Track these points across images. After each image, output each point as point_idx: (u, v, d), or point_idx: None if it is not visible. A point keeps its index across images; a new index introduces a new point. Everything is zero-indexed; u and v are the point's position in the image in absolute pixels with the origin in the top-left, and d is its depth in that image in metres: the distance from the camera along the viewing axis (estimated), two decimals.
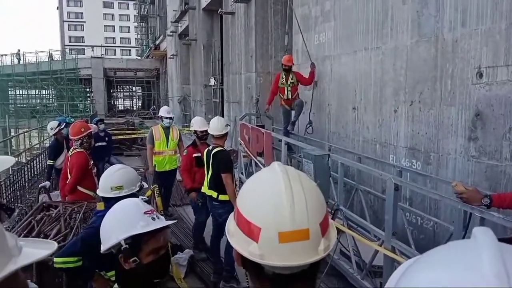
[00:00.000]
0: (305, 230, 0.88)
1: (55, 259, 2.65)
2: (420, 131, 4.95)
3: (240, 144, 7.82)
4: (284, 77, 7.24)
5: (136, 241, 1.65)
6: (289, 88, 7.26)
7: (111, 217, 1.76)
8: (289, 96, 7.32)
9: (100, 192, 2.85)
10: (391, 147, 5.45)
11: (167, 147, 6.88)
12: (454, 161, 4.47)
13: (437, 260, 0.55)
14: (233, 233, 0.97)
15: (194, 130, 5.69)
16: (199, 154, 5.45)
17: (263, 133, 6.61)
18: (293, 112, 7.45)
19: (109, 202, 2.75)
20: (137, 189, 2.86)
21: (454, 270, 0.51)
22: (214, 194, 4.73)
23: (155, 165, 6.90)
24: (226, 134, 4.95)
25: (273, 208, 0.89)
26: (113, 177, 2.82)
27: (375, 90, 5.76)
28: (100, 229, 1.77)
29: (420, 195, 4.82)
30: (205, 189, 4.93)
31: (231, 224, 0.99)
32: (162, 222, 1.74)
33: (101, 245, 1.73)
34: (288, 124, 7.42)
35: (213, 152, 4.75)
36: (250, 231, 0.91)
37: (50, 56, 36.89)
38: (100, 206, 3.15)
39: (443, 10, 4.54)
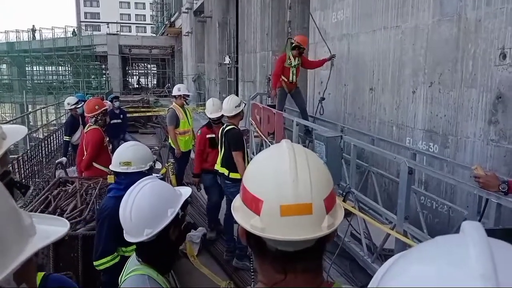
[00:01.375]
0: (308, 205, 0.87)
1: (95, 263, 2.72)
2: (438, 113, 4.84)
3: (252, 124, 7.75)
4: (291, 58, 6.77)
5: (183, 207, 1.84)
6: (294, 70, 6.90)
7: (156, 196, 1.78)
8: (293, 79, 6.93)
9: (111, 166, 2.89)
10: (408, 129, 5.36)
11: (189, 125, 6.86)
12: (473, 145, 4.37)
13: (424, 255, 0.53)
14: (237, 208, 0.97)
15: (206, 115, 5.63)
16: (213, 135, 5.39)
17: (274, 113, 6.52)
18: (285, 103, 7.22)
19: (119, 176, 2.85)
20: (147, 168, 2.83)
21: (441, 266, 0.48)
22: (226, 172, 4.77)
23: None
24: (239, 113, 4.90)
25: (276, 180, 0.89)
26: (124, 152, 2.86)
27: (393, 70, 5.63)
28: (144, 216, 1.74)
29: (436, 179, 4.75)
30: (217, 166, 4.96)
31: (237, 200, 0.99)
32: (185, 188, 1.99)
33: (151, 228, 1.72)
34: (282, 108, 7.06)
35: (225, 130, 4.76)
36: (253, 204, 0.91)
37: (73, 32, 37.03)
38: (110, 179, 3.21)
39: None
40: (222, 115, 5.20)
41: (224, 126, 4.91)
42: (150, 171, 2.84)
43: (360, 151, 5.25)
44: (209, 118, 5.52)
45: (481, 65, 4.25)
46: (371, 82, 6.13)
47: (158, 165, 3.00)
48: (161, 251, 1.79)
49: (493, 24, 4.09)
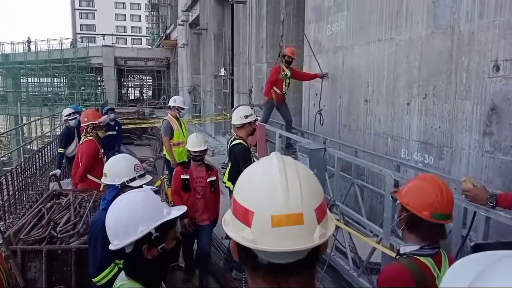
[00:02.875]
0: (299, 215, 0.86)
1: (95, 280, 2.67)
2: (433, 125, 4.87)
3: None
4: (285, 69, 6.99)
5: (164, 228, 1.75)
6: (287, 82, 7.06)
7: (129, 209, 1.75)
8: (286, 91, 7.10)
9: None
10: (403, 140, 5.38)
11: (184, 137, 6.85)
12: (468, 156, 4.39)
13: None
14: (228, 221, 0.96)
15: (187, 150, 4.78)
16: (187, 177, 4.63)
17: (256, 125, 6.51)
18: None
19: (109, 187, 2.87)
20: (118, 183, 2.75)
21: None
22: (231, 187, 4.69)
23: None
24: (246, 125, 4.73)
25: (266, 191, 0.88)
26: (107, 163, 2.93)
27: (387, 82, 5.66)
28: (113, 225, 1.74)
29: None
30: (225, 178, 4.93)
31: (227, 214, 0.98)
32: (180, 208, 1.91)
33: (119, 240, 1.71)
34: (267, 121, 7.15)
35: (231, 144, 4.71)
36: (243, 216, 0.90)
37: (71, 44, 37.13)
38: (104, 188, 3.24)
39: (460, 0, 4.43)
40: (205, 150, 4.72)
41: (232, 138, 4.83)
42: (125, 188, 2.69)
43: (347, 164, 5.24)
44: (190, 153, 4.73)
45: (475, 77, 4.28)
46: (366, 94, 6.16)
47: (148, 178, 2.92)
48: (141, 267, 1.75)
49: (486, 37, 4.14)
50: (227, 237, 0.96)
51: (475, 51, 4.27)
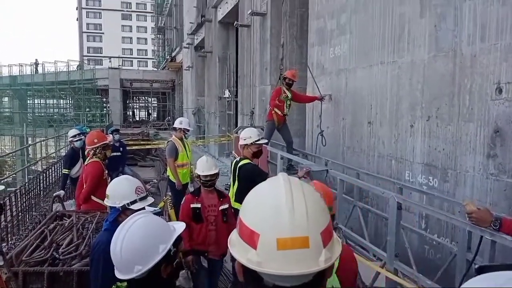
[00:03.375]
0: (305, 238, 0.86)
1: None
2: (437, 147, 4.86)
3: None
4: (286, 91, 7.15)
5: (176, 243, 1.78)
6: (288, 103, 7.21)
7: (145, 231, 1.74)
8: (287, 112, 7.25)
9: None
10: (407, 163, 5.36)
11: (188, 158, 6.87)
12: (472, 179, 4.36)
13: None
14: (234, 242, 0.96)
15: (197, 174, 4.23)
16: (199, 205, 4.11)
17: (258, 147, 6.52)
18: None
19: (111, 209, 2.85)
20: (119, 205, 2.75)
21: None
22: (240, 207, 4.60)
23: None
24: (249, 146, 4.72)
25: (272, 213, 0.88)
26: (110, 184, 2.91)
27: (391, 104, 5.69)
28: (130, 251, 1.71)
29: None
30: (231, 200, 4.88)
31: (233, 234, 0.98)
32: (179, 223, 1.94)
33: (141, 265, 1.69)
34: (269, 141, 7.13)
35: (239, 164, 4.71)
36: (249, 238, 0.89)
37: (78, 66, 37.74)
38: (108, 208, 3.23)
39: (462, 24, 4.49)
40: (217, 174, 4.25)
41: (238, 159, 4.84)
42: (126, 210, 2.70)
43: (350, 186, 5.22)
44: (199, 178, 4.18)
45: (478, 99, 4.30)
46: (369, 115, 6.19)
47: (150, 201, 2.91)
48: (166, 283, 1.77)
49: (488, 60, 4.17)
50: (233, 258, 0.96)
51: (477, 73, 4.30)
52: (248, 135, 4.78)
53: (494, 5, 4.10)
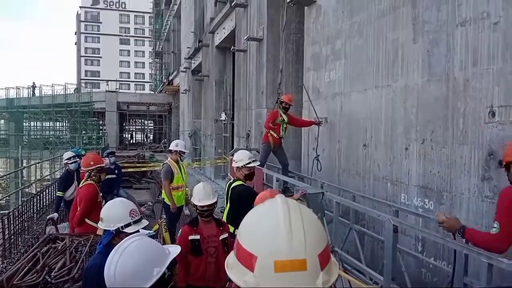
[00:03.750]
0: (302, 261, 0.85)
1: None
2: (432, 169, 4.88)
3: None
4: (282, 115, 7.31)
5: (170, 266, 1.78)
6: (284, 126, 7.34)
7: (139, 255, 1.74)
8: (283, 135, 7.39)
9: None
10: (402, 185, 5.37)
11: (184, 181, 6.87)
12: (468, 201, 4.37)
13: None
14: (232, 265, 0.95)
15: (193, 204, 3.89)
16: (198, 237, 3.77)
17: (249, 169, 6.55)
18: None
19: (105, 233, 2.84)
20: (113, 229, 2.73)
21: None
22: (232, 229, 4.53)
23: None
24: (240, 168, 4.73)
25: (270, 236, 0.87)
26: (104, 207, 2.90)
27: (385, 127, 5.74)
28: (124, 275, 1.70)
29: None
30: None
31: (230, 257, 0.97)
32: (174, 246, 2.00)
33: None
34: (264, 164, 7.32)
35: (232, 186, 4.72)
36: (247, 260, 0.89)
37: (75, 89, 37.93)
38: (100, 231, 3.19)
39: (454, 49, 4.58)
40: (215, 203, 3.94)
41: (231, 180, 4.87)
42: (120, 233, 2.69)
43: (346, 208, 5.22)
44: (196, 208, 3.86)
45: (472, 122, 4.35)
46: (364, 138, 6.22)
47: (144, 223, 2.90)
48: None
49: (480, 84, 4.24)
50: (230, 280, 0.95)
51: (470, 97, 4.36)
52: (240, 158, 4.84)
53: (485, 31, 4.20)
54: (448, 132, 4.61)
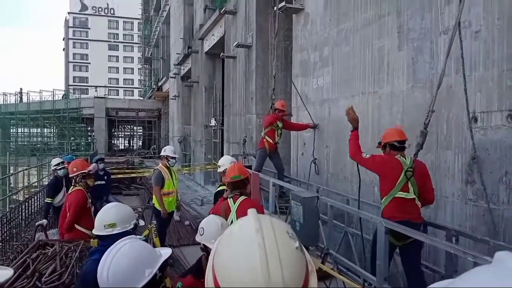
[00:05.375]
0: None
1: None
2: None
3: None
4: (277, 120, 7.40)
5: (162, 268, 1.82)
6: (279, 132, 7.43)
7: (132, 256, 1.79)
8: (278, 140, 7.47)
9: (95, 230, 2.80)
10: None
11: (174, 186, 6.86)
12: (452, 205, 4.48)
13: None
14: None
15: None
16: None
17: (250, 174, 6.62)
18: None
19: (103, 240, 2.73)
20: (131, 227, 2.80)
21: None
22: None
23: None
24: (223, 172, 4.81)
25: (248, 280, 0.83)
26: (107, 215, 2.80)
27: (372, 133, 5.84)
28: (117, 275, 1.74)
29: None
30: None
31: (209, 276, 0.93)
32: (165, 248, 2.03)
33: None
34: (260, 169, 7.40)
35: (216, 190, 4.80)
36: None
37: (63, 96, 37.57)
38: (94, 243, 3.12)
39: (437, 57, 4.71)
40: None
41: (218, 185, 5.00)
42: (135, 229, 2.81)
43: (338, 211, 5.30)
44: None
45: (455, 128, 4.47)
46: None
47: (142, 222, 2.96)
48: None
49: (463, 90, 4.36)
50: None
51: (453, 103, 4.49)
52: (222, 163, 4.96)
53: (467, 39, 4.34)
54: (432, 137, 4.73)
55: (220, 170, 4.89)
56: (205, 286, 0.94)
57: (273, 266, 0.83)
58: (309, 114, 7.51)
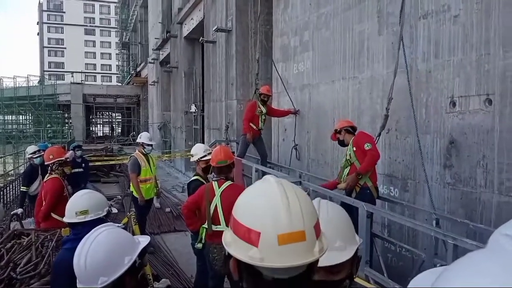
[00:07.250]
0: (302, 232, 0.94)
1: None
2: (397, 158, 5.03)
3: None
4: (260, 106, 7.29)
5: (141, 255, 1.79)
6: (263, 118, 7.34)
7: (110, 243, 1.74)
8: (261, 127, 7.38)
9: (66, 218, 2.71)
10: None
11: (152, 173, 6.75)
12: (431, 188, 4.54)
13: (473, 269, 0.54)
14: (230, 242, 1.01)
15: None
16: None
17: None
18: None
19: (75, 228, 2.66)
20: (104, 213, 2.74)
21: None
22: None
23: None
24: (198, 162, 4.78)
25: (271, 213, 0.94)
26: (78, 201, 2.71)
27: (352, 118, 5.85)
28: (94, 263, 1.69)
29: (398, 223, 4.85)
30: None
31: (227, 235, 1.03)
32: (144, 236, 1.97)
33: (106, 276, 1.68)
34: (244, 155, 7.38)
35: (189, 181, 4.76)
36: (249, 237, 0.95)
37: (39, 81, 36.50)
38: (65, 232, 3.03)
39: (417, 41, 4.72)
40: None
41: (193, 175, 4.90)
42: (107, 216, 2.75)
43: (323, 197, 5.33)
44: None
45: (434, 112, 4.51)
46: (332, 129, 6.32)
47: (115, 210, 2.91)
48: None
49: (442, 75, 4.40)
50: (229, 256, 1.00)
51: (432, 88, 4.52)
52: (195, 152, 4.86)
53: (446, 24, 4.35)
54: (412, 122, 4.76)
55: (193, 159, 4.79)
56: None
57: (293, 203, 0.95)
58: (290, 100, 7.48)
